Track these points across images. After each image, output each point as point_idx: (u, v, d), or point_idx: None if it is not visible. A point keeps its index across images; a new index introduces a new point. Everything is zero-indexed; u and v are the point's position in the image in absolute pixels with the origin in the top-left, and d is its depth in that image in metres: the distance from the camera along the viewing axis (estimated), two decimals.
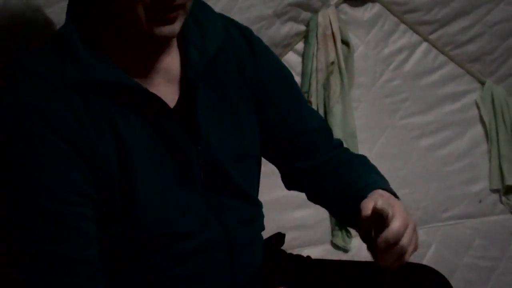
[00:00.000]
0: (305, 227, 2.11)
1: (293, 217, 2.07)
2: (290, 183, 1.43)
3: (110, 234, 1.14)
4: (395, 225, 1.09)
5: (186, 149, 1.17)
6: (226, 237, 1.23)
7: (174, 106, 1.17)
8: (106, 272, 1.14)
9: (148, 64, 1.16)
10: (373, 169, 1.35)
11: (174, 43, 1.20)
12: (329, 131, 1.41)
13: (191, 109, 1.18)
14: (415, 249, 1.15)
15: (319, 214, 2.03)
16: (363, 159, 1.39)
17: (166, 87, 1.18)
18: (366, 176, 1.29)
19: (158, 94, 1.14)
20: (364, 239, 1.15)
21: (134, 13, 1.06)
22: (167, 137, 1.15)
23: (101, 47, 1.13)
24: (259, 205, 1.35)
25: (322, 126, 1.40)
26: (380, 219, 1.10)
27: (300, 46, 2.03)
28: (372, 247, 1.12)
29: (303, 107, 1.38)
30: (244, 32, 1.30)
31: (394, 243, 1.09)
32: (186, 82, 1.19)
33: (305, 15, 1.99)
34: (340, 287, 1.37)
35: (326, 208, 1.43)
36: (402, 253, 1.11)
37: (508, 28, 2.21)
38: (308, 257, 1.45)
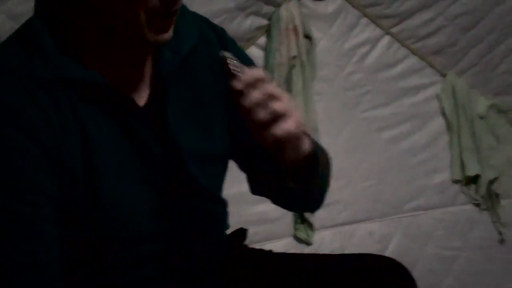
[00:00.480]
0: (267, 221, 2.11)
1: (255, 212, 2.08)
2: (256, 188, 1.42)
3: (73, 236, 1.12)
4: (253, 70, 1.07)
5: (154, 150, 1.15)
6: (191, 238, 1.23)
7: (144, 105, 1.15)
8: (66, 275, 1.12)
9: (123, 65, 1.13)
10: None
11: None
12: None
13: (161, 109, 1.16)
14: (295, 124, 1.07)
15: (281, 208, 2.04)
16: None
17: (137, 85, 1.15)
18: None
19: (129, 93, 1.12)
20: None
21: (136, 20, 1.05)
22: (135, 137, 1.13)
23: (70, 45, 1.10)
24: (224, 204, 1.34)
25: None
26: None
27: (262, 40, 2.03)
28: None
29: None
30: (218, 33, 1.28)
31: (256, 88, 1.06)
32: (157, 81, 1.17)
33: (268, 9, 1.99)
34: (303, 280, 1.37)
35: (291, 210, 1.43)
36: (271, 113, 1.05)
37: (469, 21, 2.23)
38: (270, 251, 1.45)
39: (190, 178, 1.21)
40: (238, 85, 1.06)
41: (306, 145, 1.12)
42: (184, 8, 1.23)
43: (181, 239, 1.22)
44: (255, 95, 1.05)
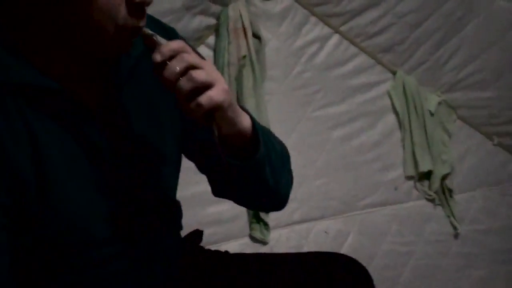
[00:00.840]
0: (222, 222, 2.10)
1: (210, 212, 2.07)
2: (217, 190, 1.40)
3: (26, 242, 1.10)
4: (172, 42, 1.07)
5: (105, 153, 1.13)
6: (144, 242, 1.21)
7: (96, 109, 1.13)
8: (22, 280, 1.11)
9: (76, 71, 1.11)
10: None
11: None
12: None
13: (113, 111, 1.15)
14: (221, 92, 1.06)
15: (236, 208, 2.02)
16: None
17: (89, 89, 1.13)
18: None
19: (80, 96, 1.10)
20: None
21: (103, 40, 1.04)
22: (85, 140, 1.11)
23: (21, 49, 1.07)
24: (178, 207, 1.33)
25: None
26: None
27: (211, 39, 2.02)
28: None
29: None
30: (169, 33, 1.26)
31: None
32: (109, 85, 1.15)
33: (215, 8, 1.98)
34: (260, 281, 1.37)
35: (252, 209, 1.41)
36: (193, 81, 1.04)
37: (418, 18, 2.24)
38: (226, 252, 1.45)
39: (142, 180, 1.20)
40: (157, 57, 1.04)
41: (243, 121, 1.12)
42: None
43: (136, 242, 1.20)
44: (174, 65, 1.04)
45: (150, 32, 1.07)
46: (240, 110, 1.14)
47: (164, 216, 1.26)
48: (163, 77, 1.05)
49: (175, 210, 1.32)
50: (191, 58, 1.05)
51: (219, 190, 1.36)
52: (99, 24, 1.03)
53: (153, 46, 1.06)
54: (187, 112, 1.07)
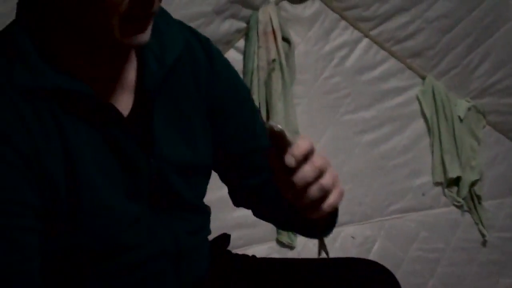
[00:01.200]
0: (249, 225, 2.10)
1: (236, 216, 2.06)
2: (238, 200, 1.41)
3: (56, 245, 1.10)
4: (303, 142, 0.97)
5: (137, 161, 1.13)
6: (174, 248, 1.21)
7: (128, 116, 1.13)
8: (49, 284, 1.10)
9: (105, 72, 1.10)
10: None
11: (132, 50, 1.15)
12: None
13: (146, 120, 1.14)
14: (339, 196, 1.02)
15: None
16: None
17: (121, 95, 1.12)
18: None
19: (112, 102, 1.10)
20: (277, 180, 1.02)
21: (108, 23, 1.01)
22: (118, 147, 1.11)
23: (52, 52, 1.07)
24: (207, 212, 1.33)
25: None
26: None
27: (241, 43, 2.02)
28: (285, 184, 0.99)
29: (258, 125, 1.33)
30: (203, 44, 1.25)
31: (311, 175, 0.98)
32: (142, 91, 1.14)
33: (246, 12, 1.98)
34: (286, 285, 1.36)
35: (273, 224, 1.42)
36: (323, 190, 0.99)
37: (447, 23, 2.23)
38: (253, 256, 1.45)
39: (174, 189, 1.20)
40: (291, 162, 0.97)
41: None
42: (168, 16, 1.21)
43: (165, 249, 1.20)
44: (307, 172, 0.97)
45: (279, 128, 0.97)
46: None
47: (192, 223, 1.26)
48: (290, 181, 0.98)
49: (205, 217, 1.33)
50: (320, 161, 0.98)
51: (239, 201, 1.39)
52: (103, 13, 1.00)
53: (282, 144, 0.97)
54: (291, 200, 1.02)
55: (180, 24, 1.25)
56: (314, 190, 0.99)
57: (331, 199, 1.01)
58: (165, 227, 1.20)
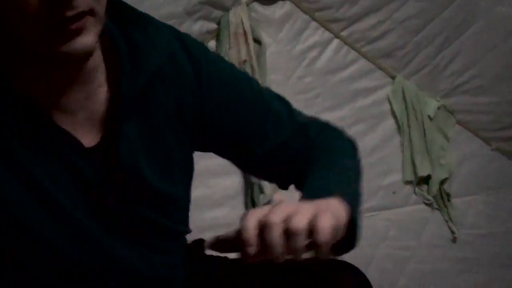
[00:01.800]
0: (220, 226, 2.09)
1: (210, 217, 2.06)
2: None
3: (13, 275, 1.04)
4: (246, 223, 0.93)
5: (104, 197, 1.03)
6: (153, 274, 1.16)
7: (95, 146, 1.02)
8: None
9: (63, 93, 0.98)
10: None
11: (98, 68, 1.02)
12: (300, 131, 1.27)
13: (112, 149, 1.02)
14: (327, 227, 0.92)
15: (236, 213, 2.03)
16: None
17: (87, 122, 1.02)
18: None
19: (77, 130, 0.99)
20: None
21: (28, 29, 0.89)
22: (82, 179, 1.01)
23: (7, 73, 0.96)
24: (187, 231, 1.28)
25: (292, 129, 1.26)
26: None
27: (212, 44, 2.02)
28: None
29: (269, 121, 1.21)
30: (192, 56, 1.11)
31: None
32: (111, 118, 1.03)
33: (217, 13, 1.98)
34: (257, 285, 1.36)
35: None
36: (296, 233, 0.90)
37: (417, 23, 2.25)
38: (226, 257, 1.44)
39: (150, 222, 1.13)
40: (250, 251, 0.91)
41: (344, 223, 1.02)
42: (151, 23, 1.09)
43: (145, 275, 1.15)
44: (272, 237, 0.90)
45: (211, 240, 0.96)
46: (342, 213, 1.02)
47: (172, 246, 1.21)
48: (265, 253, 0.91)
49: (183, 240, 1.29)
50: (276, 215, 0.90)
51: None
52: (21, 22, 0.89)
53: (228, 246, 0.95)
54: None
55: (170, 33, 1.12)
56: (299, 253, 0.92)
57: (318, 240, 0.91)
58: (142, 258, 1.13)
